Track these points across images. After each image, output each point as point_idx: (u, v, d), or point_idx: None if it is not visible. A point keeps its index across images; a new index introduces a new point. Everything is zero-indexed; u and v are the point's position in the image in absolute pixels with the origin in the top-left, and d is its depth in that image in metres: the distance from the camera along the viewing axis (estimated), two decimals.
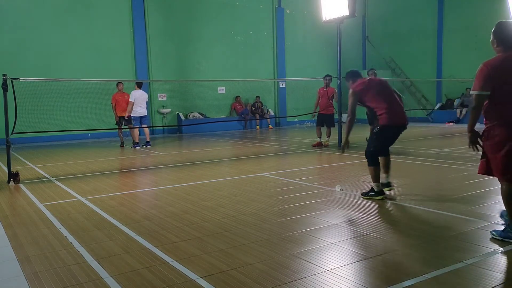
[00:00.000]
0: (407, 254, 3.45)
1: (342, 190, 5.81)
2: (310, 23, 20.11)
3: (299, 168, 7.88)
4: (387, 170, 5.61)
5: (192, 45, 17.71)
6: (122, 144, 12.64)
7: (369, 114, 7.91)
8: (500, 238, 3.76)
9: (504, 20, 3.68)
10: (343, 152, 5.82)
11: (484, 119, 3.73)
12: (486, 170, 3.77)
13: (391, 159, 5.72)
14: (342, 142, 5.72)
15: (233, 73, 18.42)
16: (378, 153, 5.41)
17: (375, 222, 4.37)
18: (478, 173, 3.89)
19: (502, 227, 3.90)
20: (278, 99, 20.39)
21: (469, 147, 3.74)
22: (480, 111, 3.65)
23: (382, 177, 5.54)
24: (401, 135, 5.52)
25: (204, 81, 17.40)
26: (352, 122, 5.45)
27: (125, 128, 12.34)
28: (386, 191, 5.47)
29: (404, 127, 5.41)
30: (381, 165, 5.45)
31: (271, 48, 19.98)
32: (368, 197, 5.39)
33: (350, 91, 5.45)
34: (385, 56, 21.86)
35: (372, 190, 5.41)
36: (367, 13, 23.04)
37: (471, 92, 3.69)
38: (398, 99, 5.59)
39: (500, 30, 3.62)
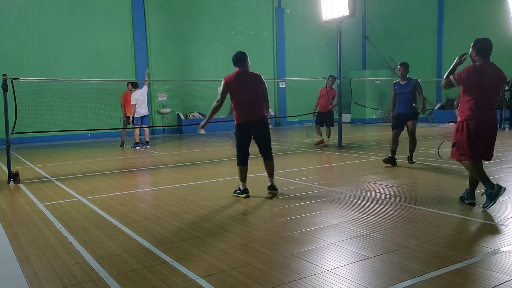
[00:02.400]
0: (407, 254, 3.45)
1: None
2: (310, 23, 20.09)
3: (299, 168, 7.88)
4: (270, 175, 5.76)
5: (192, 45, 17.71)
6: (122, 144, 12.64)
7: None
8: (461, 200, 5.00)
9: (481, 37, 4.85)
10: (197, 132, 6.06)
11: (458, 114, 4.78)
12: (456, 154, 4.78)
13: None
14: (201, 123, 5.89)
15: None
16: (242, 152, 5.62)
17: (375, 222, 4.36)
18: (450, 157, 4.93)
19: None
20: (278, 99, 20.38)
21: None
22: (447, 88, 5.01)
23: (268, 180, 5.79)
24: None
25: (204, 81, 17.39)
26: (217, 108, 5.71)
27: (129, 128, 12.34)
28: (269, 192, 5.70)
29: (256, 122, 5.76)
30: (265, 170, 5.75)
31: (271, 48, 19.97)
32: (235, 195, 5.67)
33: (223, 81, 5.70)
34: (385, 55, 21.85)
35: (238, 188, 5.69)
36: (367, 13, 23.04)
37: (450, 76, 4.89)
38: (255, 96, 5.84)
39: (476, 44, 4.82)
